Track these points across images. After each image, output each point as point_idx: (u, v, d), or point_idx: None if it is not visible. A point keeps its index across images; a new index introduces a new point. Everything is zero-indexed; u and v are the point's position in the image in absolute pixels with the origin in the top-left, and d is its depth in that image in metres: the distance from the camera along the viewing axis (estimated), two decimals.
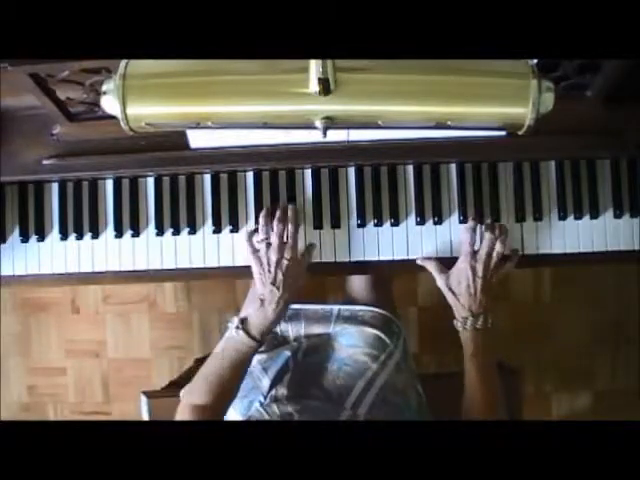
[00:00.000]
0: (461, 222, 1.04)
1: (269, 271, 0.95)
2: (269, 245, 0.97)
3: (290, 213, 0.99)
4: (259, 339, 0.94)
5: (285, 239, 0.97)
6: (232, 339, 0.95)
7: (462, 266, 0.97)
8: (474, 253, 0.97)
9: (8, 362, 1.90)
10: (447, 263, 1.01)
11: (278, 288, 0.95)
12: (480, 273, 0.96)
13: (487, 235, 0.97)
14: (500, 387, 0.97)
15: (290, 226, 0.98)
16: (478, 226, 1.00)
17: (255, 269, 0.97)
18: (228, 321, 0.96)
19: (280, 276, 0.95)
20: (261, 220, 1.00)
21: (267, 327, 0.95)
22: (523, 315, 1.82)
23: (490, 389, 0.95)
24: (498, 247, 0.97)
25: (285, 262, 0.95)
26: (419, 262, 1.03)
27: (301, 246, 1.01)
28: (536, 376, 1.83)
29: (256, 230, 1.00)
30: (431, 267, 1.02)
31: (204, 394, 0.93)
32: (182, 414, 0.93)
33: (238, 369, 0.94)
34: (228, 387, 0.94)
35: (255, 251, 0.98)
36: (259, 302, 0.95)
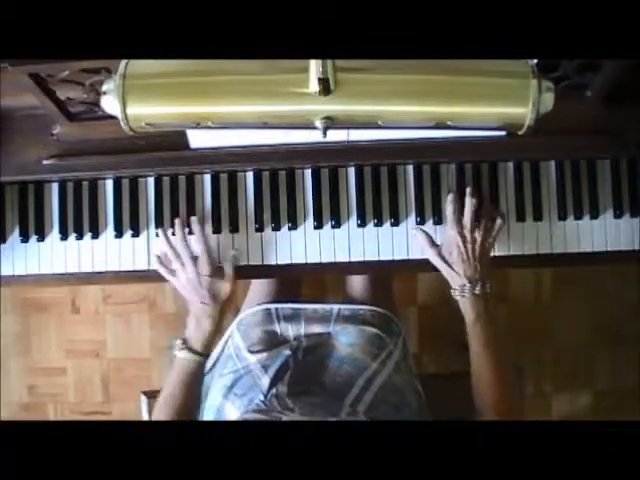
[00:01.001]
0: None
1: (192, 289, 0.98)
2: (183, 265, 0.99)
3: (194, 227, 1.01)
4: (203, 352, 0.98)
5: (194, 254, 0.99)
6: (179, 361, 0.98)
7: (450, 234, 0.98)
8: (459, 220, 0.97)
9: (8, 362, 1.89)
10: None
11: (206, 303, 0.98)
12: (469, 238, 0.96)
13: (468, 201, 0.98)
14: (507, 359, 0.95)
15: (197, 243, 1.00)
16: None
17: (180, 290, 1.00)
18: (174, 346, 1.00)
19: (204, 292, 0.98)
20: (163, 242, 1.01)
21: (208, 339, 0.98)
22: (523, 315, 1.82)
23: (496, 357, 0.94)
24: (482, 210, 0.98)
25: (205, 279, 0.98)
26: (412, 231, 1.03)
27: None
28: (536, 376, 1.83)
29: (165, 252, 1.01)
30: (422, 239, 1.01)
31: (169, 415, 0.96)
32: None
33: (192, 388, 0.98)
34: (189, 406, 0.98)
35: (171, 273, 1.00)
36: (194, 320, 0.99)
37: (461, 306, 0.97)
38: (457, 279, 0.97)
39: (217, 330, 1.00)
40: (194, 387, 0.98)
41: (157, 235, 1.03)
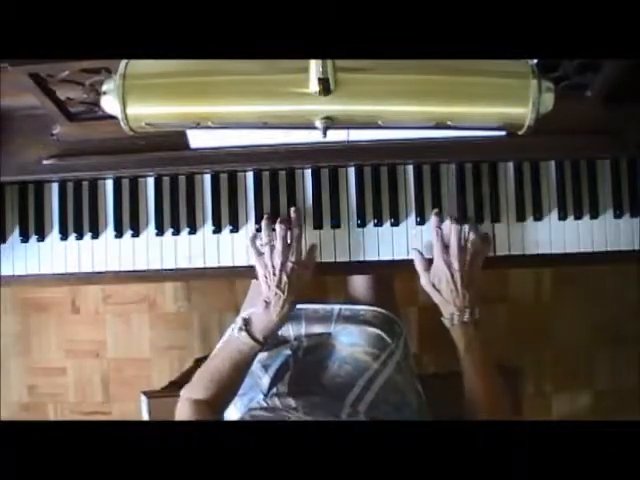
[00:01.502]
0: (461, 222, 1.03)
1: (274, 274, 0.96)
2: (273, 248, 0.97)
3: (293, 216, 1.00)
4: (262, 341, 0.95)
5: (289, 242, 0.98)
6: (234, 339, 0.95)
7: (437, 263, 0.97)
8: (446, 248, 0.97)
9: (8, 362, 1.90)
10: None
11: (283, 291, 0.95)
12: (456, 266, 0.96)
13: (453, 227, 0.97)
14: (501, 382, 0.95)
15: (294, 229, 0.98)
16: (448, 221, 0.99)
17: (260, 272, 0.97)
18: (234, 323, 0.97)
19: (285, 279, 0.95)
20: (264, 223, 1.00)
21: (270, 329, 0.96)
22: (523, 315, 1.82)
23: (490, 383, 0.94)
24: (468, 236, 0.97)
25: (290, 265, 0.96)
26: (412, 250, 1.02)
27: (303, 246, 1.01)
28: (536, 376, 1.83)
29: (259, 233, 1.01)
30: (417, 262, 1.01)
31: (204, 390, 0.93)
32: (181, 409, 0.94)
33: (239, 369, 0.95)
34: (228, 386, 0.94)
35: (259, 254, 0.98)
36: (264, 304, 0.95)
37: (452, 334, 0.97)
38: (446, 307, 0.97)
39: (281, 323, 0.97)
40: (242, 369, 0.95)
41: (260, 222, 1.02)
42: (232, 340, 0.96)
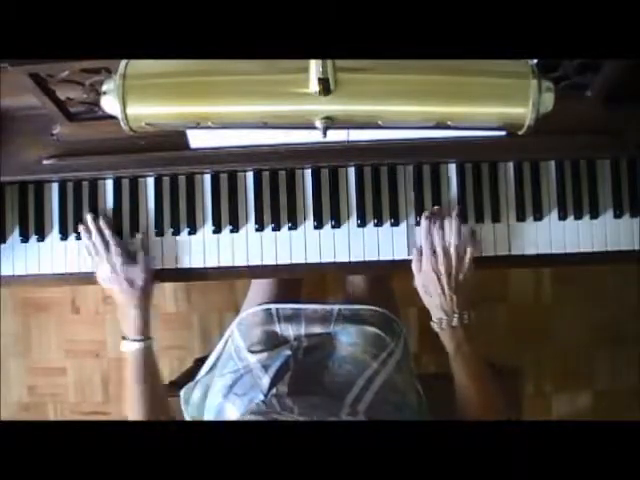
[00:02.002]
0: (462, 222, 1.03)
1: (110, 280, 1.02)
2: (99, 257, 1.03)
3: (90, 223, 1.04)
4: (142, 336, 1.01)
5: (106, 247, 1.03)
6: (128, 355, 1.01)
7: (426, 268, 0.98)
8: (434, 252, 0.97)
9: (8, 362, 1.90)
10: None
11: (124, 290, 1.02)
12: (443, 271, 0.96)
13: (439, 233, 0.97)
14: (493, 386, 0.95)
15: (100, 236, 1.03)
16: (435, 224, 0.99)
17: (103, 284, 1.04)
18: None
19: (121, 279, 1.02)
20: (83, 237, 1.05)
21: (138, 323, 1.02)
22: (523, 315, 1.82)
23: (482, 387, 0.94)
24: (454, 240, 0.97)
25: (118, 267, 1.02)
26: (412, 249, 1.02)
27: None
28: (536, 376, 1.83)
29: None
30: (414, 263, 1.00)
31: (143, 408, 0.98)
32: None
33: (149, 371, 1.01)
34: (154, 388, 1.01)
35: (95, 268, 1.04)
36: (121, 311, 1.03)
37: (441, 338, 0.97)
38: (435, 311, 0.97)
39: (145, 313, 1.03)
40: (152, 372, 1.02)
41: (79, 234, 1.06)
42: (128, 360, 1.02)
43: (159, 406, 1.00)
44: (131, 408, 0.99)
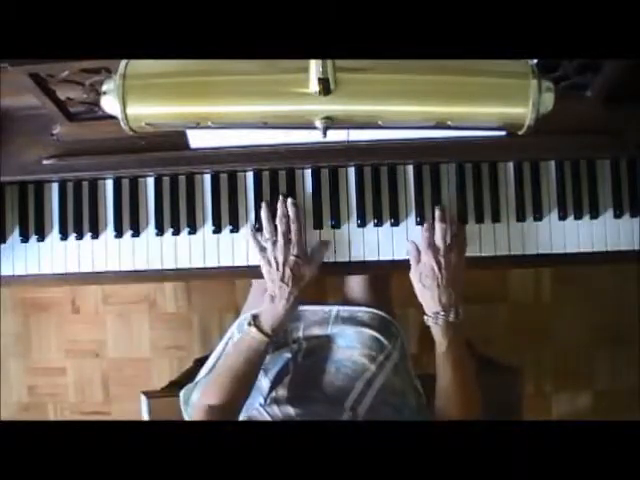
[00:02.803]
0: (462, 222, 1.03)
1: (277, 269, 0.97)
2: (275, 243, 0.98)
3: (291, 210, 1.00)
4: (271, 335, 0.96)
5: (289, 237, 0.98)
6: (245, 336, 0.97)
7: (425, 260, 0.97)
8: (433, 246, 0.97)
9: (8, 362, 1.90)
10: None
11: (287, 284, 0.96)
12: (443, 264, 0.96)
13: (439, 226, 0.97)
14: (476, 381, 0.96)
15: (293, 223, 0.99)
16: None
17: (264, 267, 0.99)
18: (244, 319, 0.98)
19: (288, 273, 0.97)
20: (263, 218, 1.00)
21: (278, 323, 0.97)
22: (523, 315, 1.81)
23: (466, 383, 0.95)
24: (452, 233, 0.97)
25: (292, 259, 0.97)
26: (407, 242, 1.02)
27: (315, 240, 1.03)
28: (536, 376, 1.83)
29: (260, 228, 1.01)
30: (411, 253, 1.00)
31: (220, 393, 0.95)
32: (198, 416, 0.95)
33: (252, 366, 0.96)
34: (243, 384, 0.96)
35: (262, 249, 0.99)
36: (269, 298, 0.97)
37: (433, 332, 0.96)
38: (432, 305, 0.96)
39: (288, 315, 0.98)
40: (255, 365, 0.97)
41: (260, 207, 1.02)
42: (242, 338, 0.97)
43: (239, 399, 0.96)
44: (215, 382, 0.96)
